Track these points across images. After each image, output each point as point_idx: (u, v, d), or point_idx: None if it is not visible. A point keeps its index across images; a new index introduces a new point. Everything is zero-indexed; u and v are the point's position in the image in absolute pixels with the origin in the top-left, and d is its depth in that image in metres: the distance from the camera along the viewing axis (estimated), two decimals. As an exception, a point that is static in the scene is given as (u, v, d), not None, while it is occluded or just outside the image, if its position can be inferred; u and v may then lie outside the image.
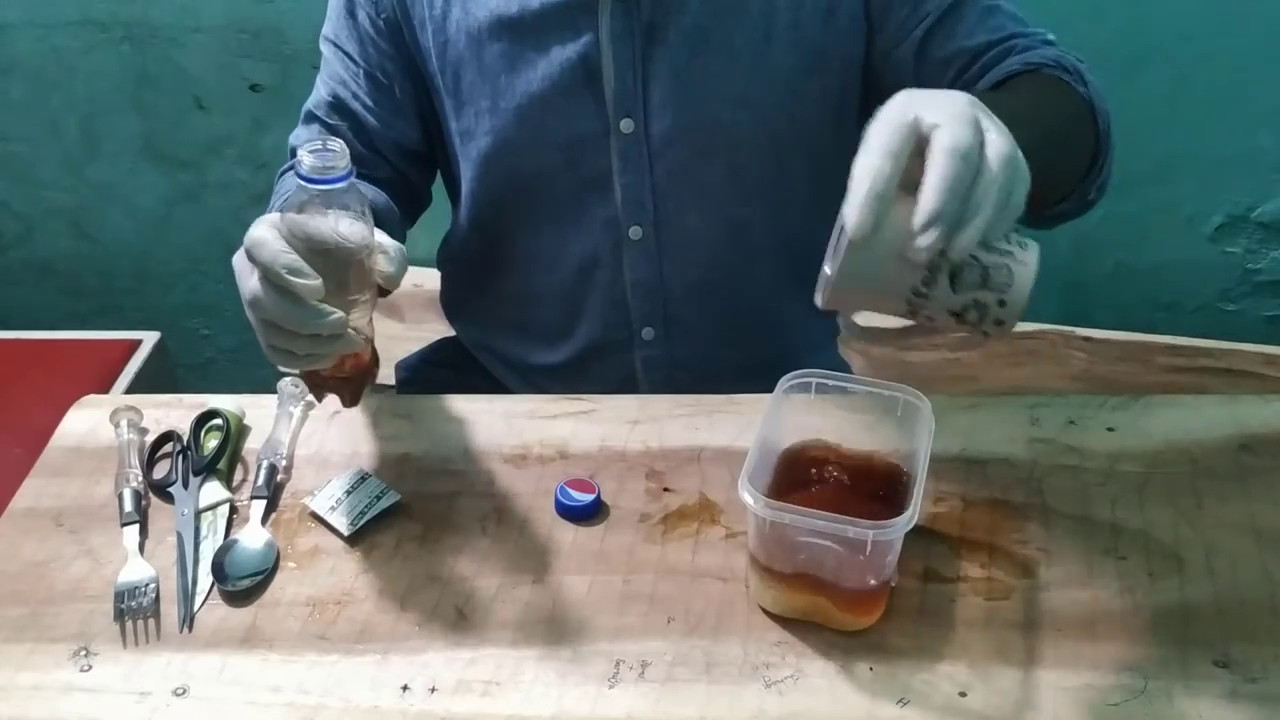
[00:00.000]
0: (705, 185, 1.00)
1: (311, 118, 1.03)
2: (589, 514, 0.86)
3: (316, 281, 0.71)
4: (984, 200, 0.61)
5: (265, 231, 0.71)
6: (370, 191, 0.98)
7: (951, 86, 0.91)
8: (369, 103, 1.01)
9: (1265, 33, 1.64)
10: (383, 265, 0.76)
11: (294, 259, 0.70)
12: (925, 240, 0.61)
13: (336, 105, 1.02)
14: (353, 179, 0.72)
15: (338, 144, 0.71)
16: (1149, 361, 1.77)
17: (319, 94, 1.03)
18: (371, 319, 0.81)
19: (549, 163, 0.99)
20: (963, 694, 0.73)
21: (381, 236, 0.76)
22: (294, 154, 1.00)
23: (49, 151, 1.93)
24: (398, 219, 1.03)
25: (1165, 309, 1.90)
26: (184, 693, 0.74)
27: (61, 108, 1.89)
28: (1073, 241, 1.86)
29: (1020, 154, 0.63)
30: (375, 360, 0.87)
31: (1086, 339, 1.80)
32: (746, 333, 1.09)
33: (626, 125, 0.97)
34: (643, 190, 1.00)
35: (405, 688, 0.74)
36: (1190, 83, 1.69)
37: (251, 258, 0.72)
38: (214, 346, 2.15)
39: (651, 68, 0.95)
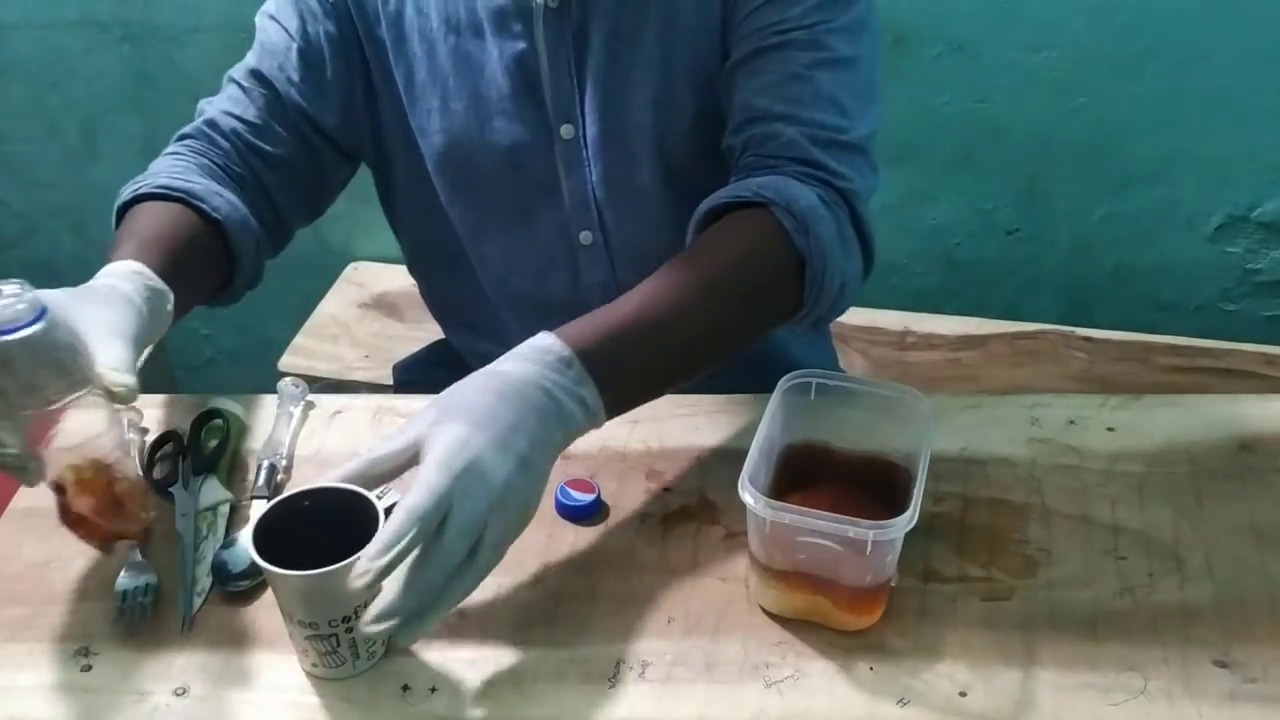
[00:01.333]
0: (640, 188, 1.00)
1: (230, 81, 1.01)
2: (589, 514, 0.86)
3: None
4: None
5: None
6: (227, 208, 0.94)
7: (729, 139, 0.93)
8: (294, 77, 0.99)
9: (1265, 33, 1.64)
10: (112, 380, 0.71)
11: None
12: (375, 629, 0.66)
13: (259, 75, 1.00)
14: (40, 324, 0.69)
15: (15, 284, 0.69)
16: (1149, 361, 1.77)
17: (245, 63, 1.01)
18: (124, 456, 0.76)
19: (497, 165, 1.00)
20: (963, 694, 0.73)
21: (104, 349, 0.72)
22: (197, 116, 1.02)
23: (49, 151, 1.93)
24: (251, 235, 0.96)
25: (1165, 309, 1.90)
26: (184, 693, 0.74)
27: (61, 108, 1.89)
28: (1073, 241, 1.86)
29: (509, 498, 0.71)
30: (141, 503, 0.78)
31: (1086, 339, 1.80)
32: None
33: (566, 131, 0.98)
34: (586, 195, 1.01)
35: (405, 688, 0.74)
36: (1190, 83, 1.69)
37: None
38: (214, 346, 2.15)
39: (584, 74, 0.96)
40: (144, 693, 0.74)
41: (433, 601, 0.67)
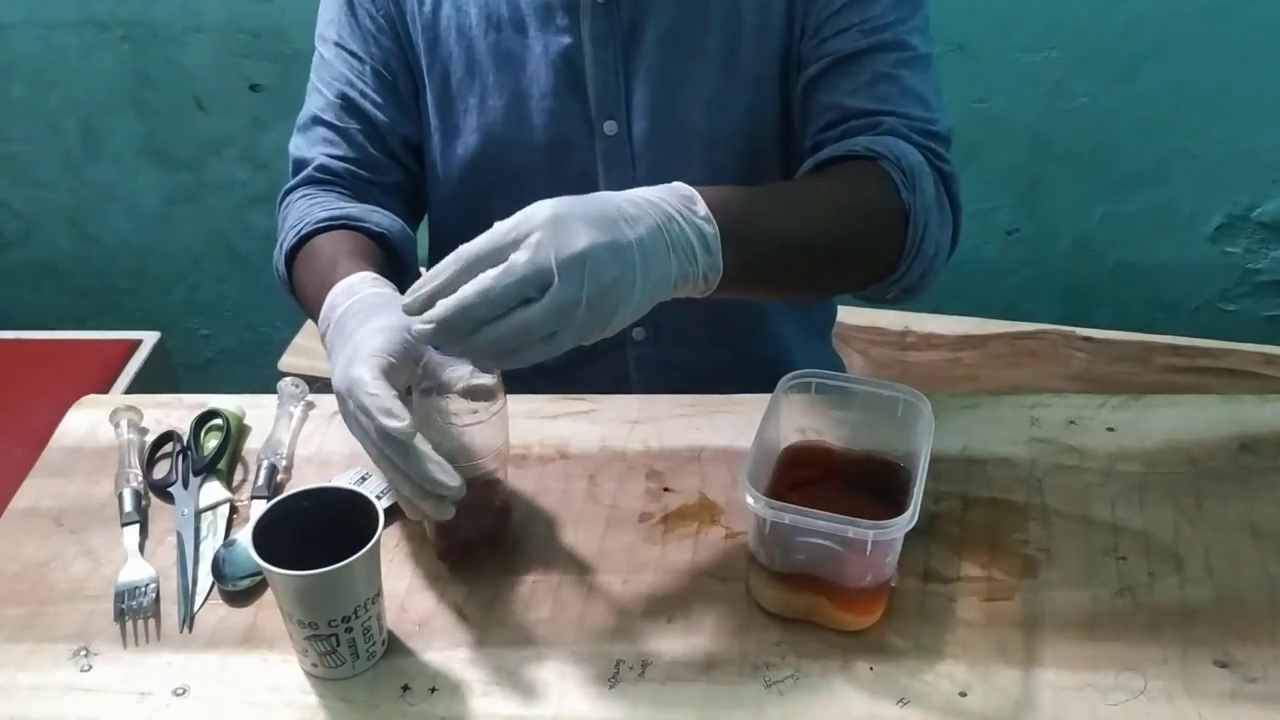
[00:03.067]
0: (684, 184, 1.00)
1: (317, 122, 1.01)
2: None
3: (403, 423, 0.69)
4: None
5: (364, 372, 0.71)
6: (387, 222, 0.97)
7: (819, 136, 0.94)
8: (378, 99, 1.00)
9: (1265, 33, 1.64)
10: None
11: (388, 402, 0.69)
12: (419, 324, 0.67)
13: (347, 105, 1.00)
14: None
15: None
16: (1149, 361, 1.77)
17: (322, 97, 1.01)
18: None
19: (535, 163, 1.00)
20: (963, 694, 0.73)
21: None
22: (300, 167, 1.00)
23: (49, 151, 1.93)
24: (413, 245, 1.00)
25: (1165, 309, 1.90)
26: (184, 693, 0.74)
27: (61, 108, 1.89)
28: (1073, 241, 1.86)
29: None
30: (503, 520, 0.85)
31: (1086, 339, 1.80)
32: (735, 333, 1.09)
33: (610, 127, 0.97)
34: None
35: (405, 688, 0.74)
36: (1190, 83, 1.69)
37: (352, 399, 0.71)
38: (214, 346, 2.15)
39: (632, 70, 0.96)
40: (144, 693, 0.74)
41: (485, 323, 0.66)
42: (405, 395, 0.72)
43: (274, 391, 0.97)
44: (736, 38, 0.95)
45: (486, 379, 0.75)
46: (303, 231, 0.93)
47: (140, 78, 1.85)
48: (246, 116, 1.87)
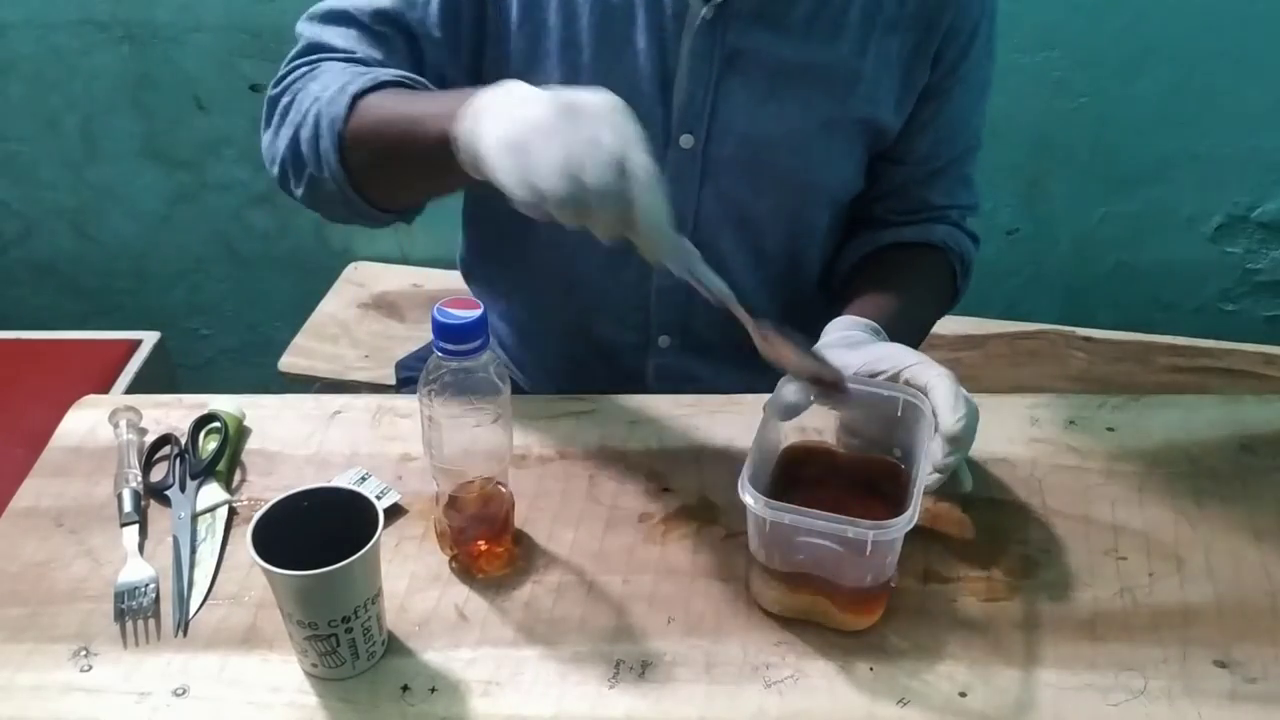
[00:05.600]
0: (746, 214, 1.00)
1: (347, 20, 0.91)
2: (471, 335, 0.73)
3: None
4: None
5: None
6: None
7: (889, 212, 1.07)
8: (435, 32, 0.91)
9: (1265, 33, 1.64)
10: None
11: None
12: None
13: (391, 17, 0.90)
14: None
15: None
16: (1149, 361, 1.77)
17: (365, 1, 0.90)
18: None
19: None
20: (963, 694, 0.73)
21: None
22: (316, 50, 0.91)
23: (49, 151, 1.93)
24: None
25: (1165, 309, 1.90)
26: (184, 693, 0.74)
27: (61, 108, 1.89)
28: (1073, 241, 1.86)
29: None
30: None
31: (1086, 339, 1.80)
32: (758, 356, 1.08)
33: (686, 140, 0.96)
34: (686, 207, 0.98)
35: (405, 688, 0.74)
36: (1190, 83, 1.69)
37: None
38: (214, 346, 2.15)
39: (724, 90, 0.94)
40: (144, 693, 0.74)
41: None
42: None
43: (274, 391, 0.97)
44: (846, 98, 0.96)
45: (492, 380, 0.75)
46: (380, 78, 0.83)
47: (140, 78, 1.85)
48: (246, 116, 1.87)
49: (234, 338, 2.13)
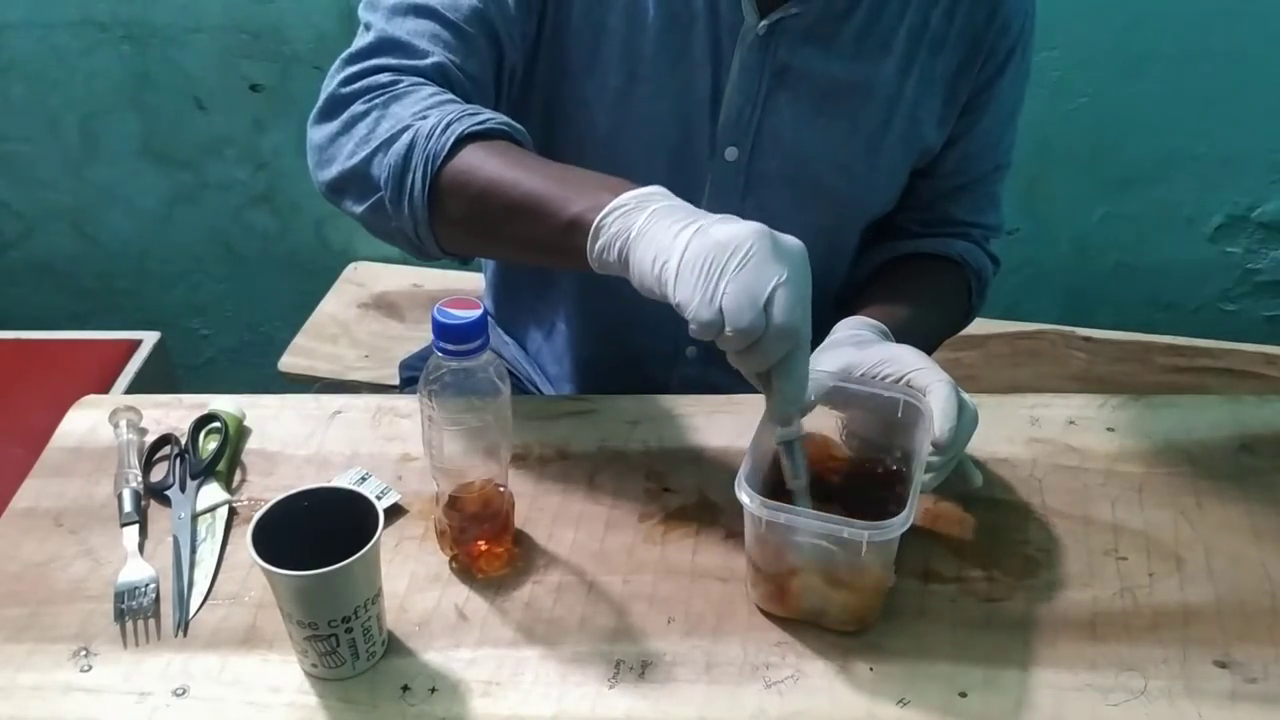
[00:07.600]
0: (785, 230, 0.99)
1: (429, 14, 0.85)
2: (471, 336, 0.73)
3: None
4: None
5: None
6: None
7: (911, 222, 1.08)
8: (513, 30, 0.88)
9: (1265, 33, 1.64)
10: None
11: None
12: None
13: (481, 17, 0.86)
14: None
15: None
16: (1149, 361, 1.77)
17: None
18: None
19: (645, 163, 0.96)
20: (963, 694, 0.73)
21: None
22: (393, 48, 0.85)
23: (49, 151, 1.93)
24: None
25: (1165, 309, 1.90)
26: (184, 693, 0.74)
27: (61, 108, 1.89)
28: (1073, 241, 1.86)
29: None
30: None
31: (1086, 339, 1.80)
32: None
33: (730, 153, 0.97)
34: None
35: (405, 688, 0.74)
36: (1190, 83, 1.69)
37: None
38: (214, 346, 2.15)
39: (771, 105, 0.95)
40: (144, 693, 0.74)
41: None
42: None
43: (274, 391, 0.97)
44: (889, 121, 0.97)
45: (492, 380, 0.75)
46: (486, 122, 0.79)
47: (140, 78, 1.85)
48: (246, 117, 1.87)
49: (234, 338, 2.13)
